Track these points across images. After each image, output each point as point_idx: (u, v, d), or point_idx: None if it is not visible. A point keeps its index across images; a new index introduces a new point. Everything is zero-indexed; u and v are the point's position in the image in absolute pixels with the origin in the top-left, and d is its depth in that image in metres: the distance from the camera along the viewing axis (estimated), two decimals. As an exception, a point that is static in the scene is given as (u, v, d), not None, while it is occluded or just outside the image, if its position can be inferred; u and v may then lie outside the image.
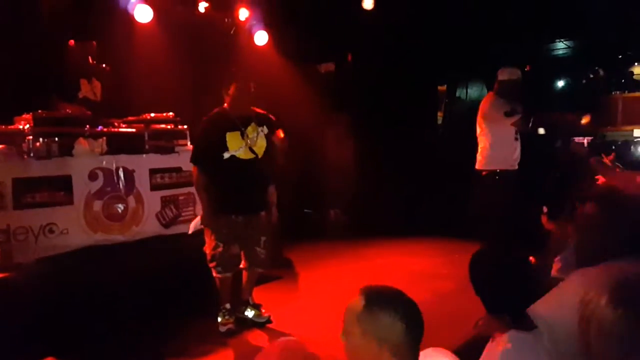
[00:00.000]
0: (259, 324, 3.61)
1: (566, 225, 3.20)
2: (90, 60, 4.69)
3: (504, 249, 1.92)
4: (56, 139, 3.93)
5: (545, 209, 3.31)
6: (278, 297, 4.20)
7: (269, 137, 3.51)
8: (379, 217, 6.38)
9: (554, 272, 3.10)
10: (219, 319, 3.50)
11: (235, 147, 3.37)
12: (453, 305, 3.50)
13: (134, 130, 4.43)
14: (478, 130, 4.72)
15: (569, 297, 1.53)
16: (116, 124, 4.47)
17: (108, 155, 4.14)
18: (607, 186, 3.23)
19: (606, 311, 1.23)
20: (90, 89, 4.66)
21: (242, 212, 3.45)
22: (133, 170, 4.25)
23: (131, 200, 4.24)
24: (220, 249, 3.40)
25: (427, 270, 4.86)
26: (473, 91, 9.25)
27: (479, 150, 4.70)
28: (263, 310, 3.68)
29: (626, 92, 15.66)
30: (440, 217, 6.02)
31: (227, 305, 3.54)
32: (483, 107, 4.69)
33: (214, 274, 3.47)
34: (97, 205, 4.08)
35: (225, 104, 3.48)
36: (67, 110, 4.30)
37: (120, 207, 4.20)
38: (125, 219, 4.23)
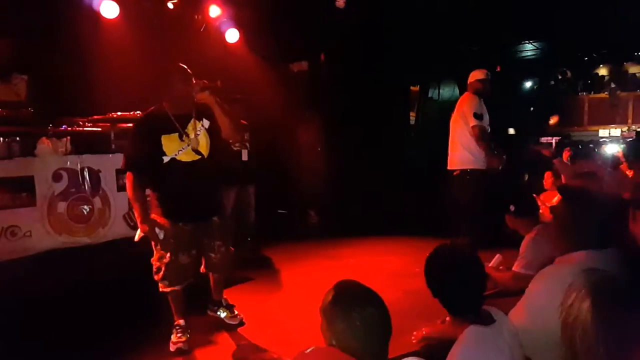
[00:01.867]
0: (231, 325, 3.48)
1: (530, 223, 3.28)
2: (4, 59, 4.45)
3: (457, 246, 1.94)
4: (17, 138, 3.82)
5: (512, 207, 3.37)
6: (251, 298, 4.15)
7: (212, 130, 3.15)
8: (352, 217, 6.40)
9: (518, 269, 3.18)
10: (172, 337, 3.16)
11: (174, 150, 3.02)
12: (424, 302, 3.49)
13: (99, 129, 4.33)
14: (451, 129, 4.76)
15: (545, 303, 1.62)
16: (81, 123, 4.35)
17: (72, 155, 4.04)
18: (572, 184, 3.36)
19: (588, 314, 1.25)
20: (10, 90, 4.34)
21: (190, 220, 3.13)
22: (99, 171, 4.15)
23: (97, 201, 4.15)
24: (166, 260, 3.07)
25: (399, 269, 4.88)
26: (445, 91, 9.39)
27: (450, 150, 4.74)
28: (236, 312, 3.55)
29: (592, 93, 16.14)
30: (413, 216, 6.07)
31: (181, 322, 3.20)
32: (461, 106, 4.72)
33: (161, 289, 3.13)
34: (62, 206, 3.98)
35: (164, 103, 3.11)
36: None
37: (85, 208, 4.11)
38: (91, 221, 4.13)
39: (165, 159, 3.01)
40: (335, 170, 7.06)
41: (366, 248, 5.73)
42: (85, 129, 4.33)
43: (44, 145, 3.92)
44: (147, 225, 3.01)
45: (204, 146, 3.12)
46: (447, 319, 1.98)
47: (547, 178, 5.38)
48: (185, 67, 3.08)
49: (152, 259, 3.15)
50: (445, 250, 1.92)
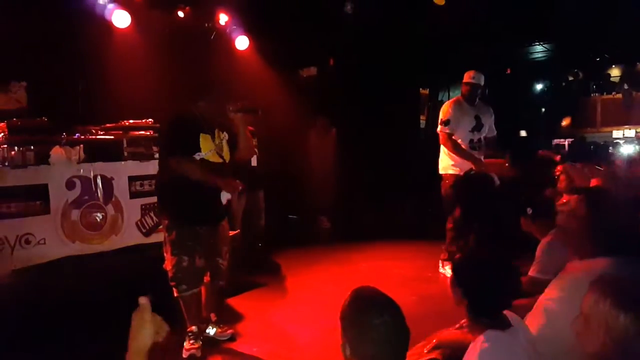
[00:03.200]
0: (223, 341, 3.39)
1: (546, 226, 3.23)
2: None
3: (488, 250, 1.90)
4: (32, 147, 3.86)
5: (529, 211, 3.32)
6: (262, 305, 4.15)
7: (230, 143, 3.30)
8: (363, 221, 6.38)
9: (534, 274, 3.13)
10: (185, 344, 3.15)
11: (206, 149, 3.13)
12: (438, 307, 3.48)
13: (112, 137, 4.36)
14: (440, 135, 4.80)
15: (566, 311, 1.58)
16: (94, 131, 4.39)
17: (85, 163, 4.07)
18: (593, 185, 3.30)
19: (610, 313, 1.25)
20: (10, 98, 4.39)
21: (207, 222, 3.20)
22: (112, 178, 4.18)
23: (110, 208, 4.17)
24: (185, 263, 3.07)
25: (411, 274, 4.85)
26: (455, 94, 9.34)
27: (440, 155, 4.79)
28: (226, 327, 3.46)
29: (604, 94, 15.95)
30: (424, 221, 6.03)
31: (194, 329, 3.19)
32: (444, 109, 4.75)
33: (177, 293, 3.10)
34: (75, 214, 4.01)
35: (195, 107, 3.20)
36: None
37: (98, 215, 4.13)
38: (104, 228, 4.15)
39: (197, 157, 3.09)
40: (345, 175, 7.04)
41: (377, 253, 5.70)
42: (98, 137, 4.37)
43: (58, 153, 3.95)
44: (234, 185, 3.16)
45: (226, 152, 3.26)
46: (463, 323, 1.95)
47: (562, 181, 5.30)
48: (225, 87, 3.32)
49: (165, 265, 3.15)
50: (481, 249, 1.89)
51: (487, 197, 4.64)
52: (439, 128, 4.68)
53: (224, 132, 3.27)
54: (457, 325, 2.55)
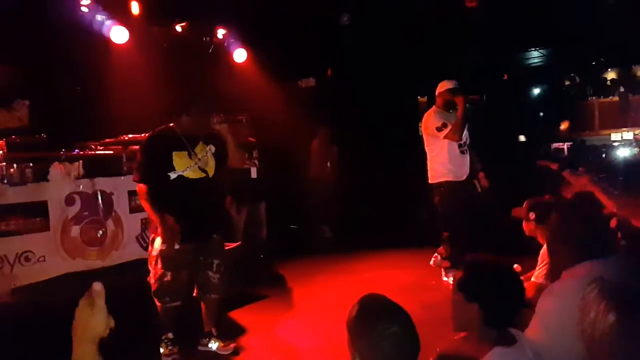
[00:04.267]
0: (225, 356, 3.37)
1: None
2: (5, 86, 4.51)
3: (492, 259, 1.88)
4: (30, 164, 3.85)
5: (532, 215, 3.30)
6: (266, 318, 4.12)
7: (217, 154, 3.28)
8: (365, 230, 6.35)
9: (540, 279, 3.10)
10: (162, 350, 3.21)
11: (183, 166, 3.11)
12: (443, 316, 3.44)
13: (111, 152, 4.36)
14: (425, 144, 4.81)
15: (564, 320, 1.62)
16: (93, 146, 4.38)
17: (85, 179, 4.06)
18: (568, 197, 3.40)
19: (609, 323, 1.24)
20: (12, 117, 4.40)
21: (193, 238, 3.15)
22: (111, 193, 4.17)
23: (110, 223, 4.15)
24: (168, 278, 3.11)
25: (414, 282, 4.82)
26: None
27: (428, 164, 4.79)
28: (228, 341, 3.44)
29: (601, 97, 16.00)
30: (424, 229, 6.00)
31: (170, 335, 3.25)
32: (424, 122, 4.79)
33: (158, 304, 3.17)
34: (75, 230, 3.98)
35: (174, 123, 3.22)
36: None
37: (99, 231, 4.10)
38: (105, 244, 4.13)
39: (173, 175, 3.10)
40: (346, 184, 7.03)
41: (380, 262, 5.67)
42: (97, 152, 4.36)
43: (57, 170, 3.94)
44: (174, 236, 3.05)
45: (210, 166, 3.23)
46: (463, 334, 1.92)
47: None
48: (209, 100, 3.29)
49: (149, 277, 3.18)
50: (489, 260, 1.86)
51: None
52: (440, 134, 4.57)
53: (210, 145, 3.26)
54: (461, 336, 2.52)
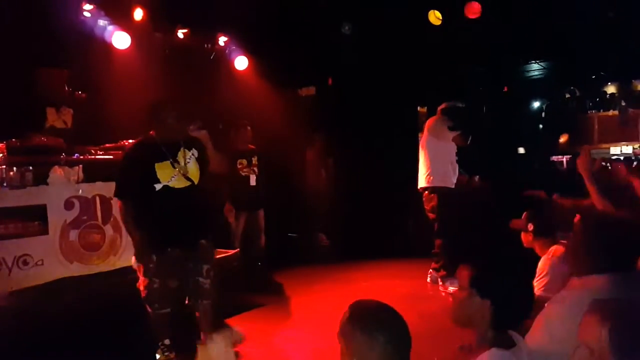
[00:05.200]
0: None
1: (547, 243, 3.21)
2: (60, 88, 4.63)
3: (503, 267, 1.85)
4: (30, 167, 3.85)
5: (530, 227, 3.31)
6: (260, 326, 4.10)
7: (200, 159, 3.26)
8: (363, 240, 6.34)
9: (540, 292, 3.09)
10: (157, 356, 3.22)
11: (167, 177, 3.09)
12: (440, 326, 3.45)
13: (111, 157, 4.36)
14: (421, 150, 4.93)
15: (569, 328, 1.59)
16: (93, 151, 4.39)
17: (84, 184, 4.05)
18: (590, 207, 3.37)
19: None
20: (59, 118, 4.56)
21: (180, 245, 3.17)
22: (110, 198, 4.14)
23: (109, 228, 4.14)
24: (156, 285, 3.11)
25: (412, 292, 4.82)
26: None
27: (420, 170, 4.91)
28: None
29: (601, 111, 16.06)
30: (423, 238, 6.00)
31: (167, 341, 3.24)
32: (429, 124, 4.92)
33: (149, 310, 3.18)
34: (73, 234, 3.97)
35: (152, 132, 3.20)
36: (41, 138, 4.21)
37: (97, 236, 4.09)
38: (103, 248, 4.12)
39: (158, 187, 3.08)
40: (344, 193, 7.03)
41: (377, 271, 5.66)
42: (97, 157, 4.36)
43: (57, 173, 3.94)
44: (142, 252, 3.08)
45: (194, 173, 3.21)
46: (465, 345, 1.91)
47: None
48: (179, 104, 3.20)
49: (138, 284, 3.17)
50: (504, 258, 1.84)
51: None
52: (451, 136, 4.75)
53: (192, 150, 3.23)
54: (459, 346, 2.52)
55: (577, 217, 2.15)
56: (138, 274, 3.17)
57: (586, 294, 1.76)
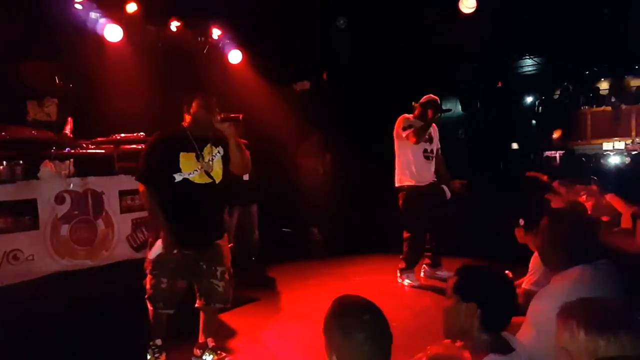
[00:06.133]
0: None
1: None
2: (45, 80, 4.57)
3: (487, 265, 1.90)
4: (20, 161, 3.81)
5: (521, 222, 3.31)
6: (254, 321, 4.10)
7: (225, 158, 3.13)
8: (356, 235, 6.35)
9: (529, 286, 3.11)
10: (148, 357, 3.11)
11: (189, 169, 2.98)
12: (433, 321, 3.45)
13: (102, 151, 4.32)
14: (395, 148, 4.97)
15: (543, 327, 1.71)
16: (84, 145, 4.35)
17: (75, 178, 4.01)
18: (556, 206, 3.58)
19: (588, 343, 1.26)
20: (41, 110, 4.49)
21: (194, 245, 3.06)
22: (102, 193, 4.13)
23: (100, 223, 4.11)
24: (164, 285, 3.00)
25: (404, 288, 4.83)
26: (447, 107, 9.39)
27: (396, 169, 4.96)
28: (223, 354, 3.35)
29: (594, 106, 16.16)
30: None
31: (158, 342, 3.14)
32: (395, 125, 4.93)
33: (151, 308, 3.07)
34: (65, 229, 3.94)
35: (184, 123, 3.11)
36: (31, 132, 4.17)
37: (89, 231, 4.06)
38: (95, 243, 4.09)
39: (178, 178, 2.97)
40: (338, 188, 7.03)
41: (371, 266, 5.66)
42: (88, 151, 4.32)
43: (47, 168, 3.90)
44: (171, 242, 2.95)
45: (217, 171, 3.09)
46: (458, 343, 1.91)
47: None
48: (210, 96, 3.10)
49: (145, 281, 3.08)
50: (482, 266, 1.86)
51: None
52: (403, 134, 4.77)
53: (219, 147, 3.11)
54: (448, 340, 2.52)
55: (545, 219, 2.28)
56: (146, 270, 3.06)
57: (567, 287, 1.90)
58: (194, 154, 3.02)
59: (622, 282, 2.00)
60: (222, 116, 3.02)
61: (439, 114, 4.86)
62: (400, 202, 4.90)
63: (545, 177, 5.44)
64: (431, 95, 4.94)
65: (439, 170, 5.06)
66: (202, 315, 3.25)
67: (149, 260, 3.06)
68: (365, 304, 1.50)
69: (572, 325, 1.28)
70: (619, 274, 2.03)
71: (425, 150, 4.89)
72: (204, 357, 3.27)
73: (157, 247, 3.03)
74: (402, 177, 4.91)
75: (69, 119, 4.63)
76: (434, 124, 5.00)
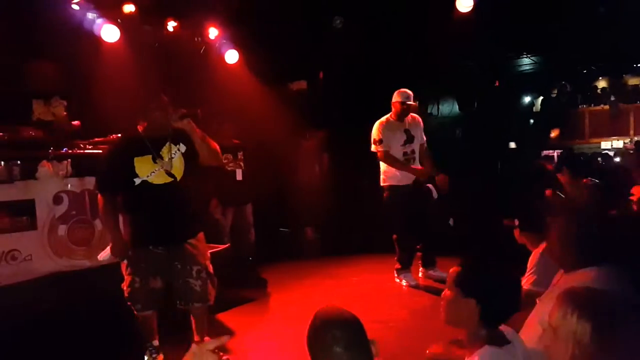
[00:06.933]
0: None
1: (537, 238, 3.22)
2: (48, 80, 4.59)
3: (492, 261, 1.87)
4: (18, 162, 3.82)
5: (516, 222, 3.32)
6: (250, 321, 4.11)
7: (188, 154, 3.13)
8: (354, 235, 6.36)
9: (528, 286, 3.11)
10: (146, 358, 3.16)
11: (146, 172, 3.02)
12: (430, 321, 3.46)
13: (100, 151, 4.32)
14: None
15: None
16: (82, 145, 4.35)
17: (73, 178, 4.02)
18: (570, 201, 3.44)
19: (578, 326, 1.27)
20: (47, 110, 4.52)
21: (162, 242, 3.07)
22: (99, 193, 4.12)
23: (98, 223, 4.11)
24: (137, 285, 3.03)
25: (401, 287, 4.83)
26: (444, 107, 9.42)
27: (380, 168, 5.01)
28: (221, 353, 3.40)
29: (592, 105, 16.17)
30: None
31: (155, 342, 3.19)
32: (374, 128, 4.98)
33: (135, 312, 3.11)
34: (62, 229, 3.95)
35: (139, 127, 3.16)
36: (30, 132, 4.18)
37: (86, 231, 4.07)
38: (92, 243, 4.09)
39: (137, 181, 3.02)
40: (336, 188, 7.03)
41: (368, 266, 5.68)
42: (86, 151, 4.33)
43: (45, 168, 3.90)
44: (119, 247, 3.07)
45: (177, 169, 3.10)
46: (458, 337, 1.93)
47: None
48: (162, 95, 3.13)
49: (122, 284, 3.11)
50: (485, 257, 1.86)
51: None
52: (373, 148, 4.90)
53: (179, 144, 3.12)
54: (451, 340, 2.53)
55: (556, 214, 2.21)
56: (123, 272, 3.11)
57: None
58: (149, 157, 3.05)
59: (636, 288, 1.91)
60: (183, 112, 3.02)
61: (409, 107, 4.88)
62: (383, 202, 4.95)
63: (550, 167, 5.47)
64: (400, 91, 4.92)
65: (425, 165, 5.02)
66: (192, 318, 3.26)
67: (124, 263, 3.11)
68: (337, 317, 1.51)
69: (568, 307, 1.30)
70: (632, 280, 1.93)
71: (405, 154, 4.90)
72: None
73: (106, 252, 3.19)
74: (385, 177, 4.95)
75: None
76: (417, 117, 5.07)
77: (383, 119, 4.97)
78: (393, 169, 4.87)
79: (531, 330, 1.91)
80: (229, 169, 5.19)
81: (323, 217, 6.97)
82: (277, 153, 6.84)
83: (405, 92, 4.88)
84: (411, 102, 4.88)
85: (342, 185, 7.06)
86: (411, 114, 5.02)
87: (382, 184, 4.99)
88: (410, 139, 4.94)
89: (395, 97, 4.89)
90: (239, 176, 5.26)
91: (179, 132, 3.08)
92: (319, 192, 7.01)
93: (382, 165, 4.97)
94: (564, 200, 3.73)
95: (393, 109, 4.92)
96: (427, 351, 2.57)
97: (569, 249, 2.01)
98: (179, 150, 3.12)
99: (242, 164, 5.30)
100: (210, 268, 3.23)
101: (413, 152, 4.96)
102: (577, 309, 1.28)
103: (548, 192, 5.36)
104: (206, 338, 3.28)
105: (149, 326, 3.18)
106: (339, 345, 1.42)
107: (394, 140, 4.88)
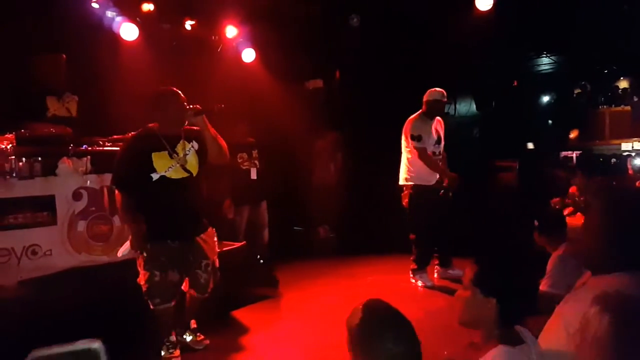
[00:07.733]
0: (196, 350, 3.40)
1: (556, 240, 3.18)
2: (59, 74, 4.64)
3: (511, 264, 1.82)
4: (39, 158, 3.88)
5: (535, 223, 3.28)
6: (265, 318, 4.12)
7: (201, 152, 3.22)
8: (369, 234, 6.34)
9: (546, 288, 3.07)
10: (163, 353, 3.21)
11: (164, 167, 3.09)
12: (445, 322, 3.44)
13: (118, 148, 4.36)
14: (404, 145, 4.92)
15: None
16: (101, 142, 4.41)
17: (92, 175, 4.07)
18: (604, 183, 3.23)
19: (597, 320, 1.24)
20: (62, 106, 4.56)
21: (178, 237, 3.16)
22: (119, 190, 4.17)
23: (116, 219, 4.16)
24: (157, 278, 3.08)
25: (416, 288, 4.81)
26: (462, 107, 9.35)
27: (402, 165, 4.92)
28: (202, 336, 3.48)
29: (613, 106, 15.90)
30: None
31: (172, 338, 3.27)
32: (406, 125, 4.89)
33: (152, 306, 3.15)
34: (81, 225, 4.00)
35: (152, 124, 3.22)
36: (50, 129, 4.23)
37: (105, 227, 4.12)
38: (111, 239, 4.14)
39: (155, 177, 3.08)
40: (351, 187, 7.02)
41: (383, 266, 5.65)
42: (105, 148, 4.38)
43: (65, 164, 3.96)
44: (139, 241, 3.09)
45: (193, 165, 3.18)
46: (474, 341, 1.90)
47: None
48: (179, 91, 3.17)
49: (138, 279, 3.15)
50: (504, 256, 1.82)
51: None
52: (411, 144, 4.76)
53: (192, 142, 3.20)
54: (468, 343, 2.50)
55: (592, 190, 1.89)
56: (138, 268, 3.16)
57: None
58: (166, 152, 3.11)
59: None
60: (198, 109, 3.09)
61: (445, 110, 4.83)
62: (405, 201, 4.86)
63: (562, 174, 5.39)
64: (435, 90, 4.85)
65: (441, 165, 4.96)
66: (187, 298, 3.36)
67: (139, 258, 3.15)
68: (387, 311, 1.48)
69: (601, 312, 1.27)
70: None
71: (434, 153, 4.83)
72: (184, 337, 3.40)
73: (126, 247, 3.19)
74: (408, 176, 4.85)
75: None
76: (440, 120, 4.99)
77: (415, 115, 4.87)
78: (421, 168, 4.74)
79: (553, 334, 1.86)
80: (243, 167, 5.20)
81: (337, 216, 6.96)
82: (292, 152, 6.85)
83: (441, 90, 4.83)
84: (446, 100, 4.85)
85: (357, 184, 7.05)
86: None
87: (404, 182, 4.88)
88: (439, 140, 4.90)
89: (433, 95, 4.81)
90: (253, 175, 5.27)
91: (191, 130, 3.19)
92: (334, 191, 7.01)
93: (408, 164, 4.85)
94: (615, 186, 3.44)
95: (426, 107, 4.83)
96: (445, 352, 2.54)
97: (608, 249, 1.65)
98: (192, 147, 3.20)
99: (257, 162, 5.30)
100: (217, 262, 3.34)
101: (439, 153, 4.90)
102: (610, 315, 1.25)
103: (555, 200, 5.30)
104: (192, 322, 3.46)
105: (166, 321, 3.22)
106: (389, 340, 1.40)
107: (428, 139, 4.80)
